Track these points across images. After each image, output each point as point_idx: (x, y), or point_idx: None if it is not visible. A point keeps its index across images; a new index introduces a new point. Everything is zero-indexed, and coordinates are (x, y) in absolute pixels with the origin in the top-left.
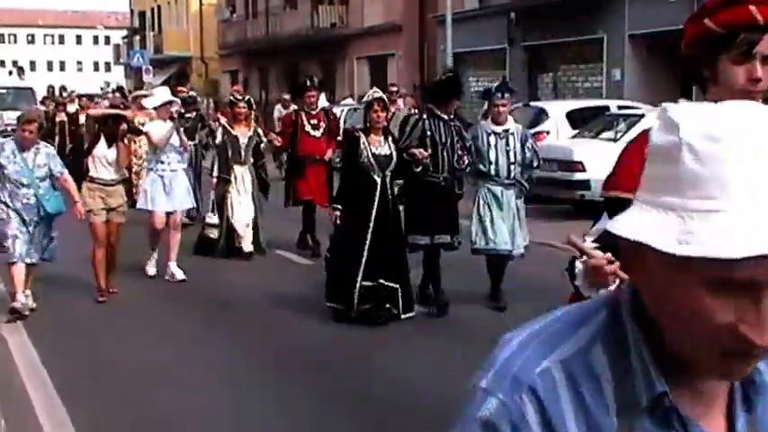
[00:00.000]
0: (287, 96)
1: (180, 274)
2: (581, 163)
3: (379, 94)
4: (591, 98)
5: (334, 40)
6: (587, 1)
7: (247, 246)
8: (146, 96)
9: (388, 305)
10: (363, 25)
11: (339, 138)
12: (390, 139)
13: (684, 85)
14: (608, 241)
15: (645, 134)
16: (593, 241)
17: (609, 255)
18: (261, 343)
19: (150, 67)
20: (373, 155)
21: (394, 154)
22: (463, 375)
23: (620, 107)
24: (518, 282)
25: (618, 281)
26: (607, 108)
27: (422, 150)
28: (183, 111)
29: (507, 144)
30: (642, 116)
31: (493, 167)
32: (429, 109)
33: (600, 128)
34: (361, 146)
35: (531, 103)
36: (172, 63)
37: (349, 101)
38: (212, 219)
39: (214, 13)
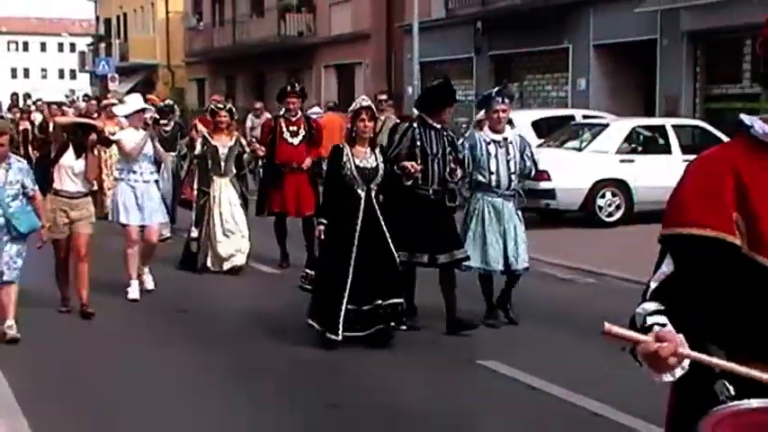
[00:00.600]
0: (259, 105)
1: (150, 284)
2: (546, 172)
3: (368, 102)
4: (556, 107)
5: (301, 48)
6: (553, 11)
7: (236, 259)
8: (114, 105)
9: (392, 323)
10: (331, 33)
11: (320, 144)
12: (377, 150)
13: (648, 96)
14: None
15: (707, 158)
16: (655, 288)
17: (661, 331)
18: (234, 358)
19: (116, 75)
20: (357, 167)
21: (380, 166)
22: (442, 391)
23: (585, 116)
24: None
25: (685, 361)
26: (572, 117)
27: (413, 164)
28: (157, 117)
29: (507, 153)
30: (607, 125)
31: (494, 178)
32: (420, 117)
33: (565, 137)
34: (345, 157)
35: None
36: (138, 71)
37: (316, 109)
38: (195, 232)
39: (181, 21)
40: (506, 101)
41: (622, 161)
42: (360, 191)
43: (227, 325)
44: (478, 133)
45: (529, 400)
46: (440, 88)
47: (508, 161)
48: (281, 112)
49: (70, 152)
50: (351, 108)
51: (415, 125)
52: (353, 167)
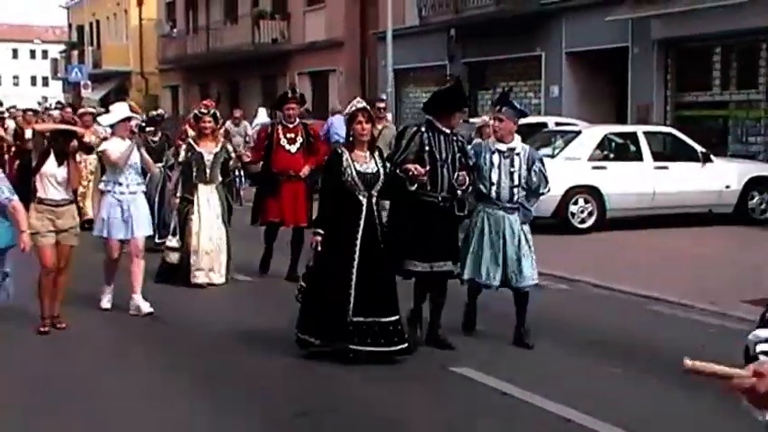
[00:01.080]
0: (238, 113)
1: (146, 307)
2: None
3: (363, 103)
4: (530, 114)
5: (275, 55)
6: (526, 19)
7: (214, 276)
8: (92, 114)
9: (383, 341)
10: (305, 41)
11: (318, 153)
12: (377, 154)
13: (620, 103)
14: None
15: None
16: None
17: (764, 364)
18: (204, 367)
19: (89, 82)
20: (358, 173)
21: (381, 171)
22: (413, 399)
23: (557, 123)
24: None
25: None
26: (545, 124)
27: (417, 166)
28: (143, 125)
29: (512, 165)
30: (579, 132)
31: (494, 189)
32: (428, 121)
33: (538, 144)
34: (344, 163)
35: (471, 120)
36: (111, 78)
37: (261, 111)
38: (173, 242)
39: (154, 28)
40: (504, 109)
41: (595, 168)
42: (361, 197)
43: (205, 336)
44: (485, 141)
45: (500, 405)
46: (450, 92)
47: (512, 173)
48: (278, 119)
49: (52, 160)
50: (346, 111)
51: (423, 129)
52: (354, 173)
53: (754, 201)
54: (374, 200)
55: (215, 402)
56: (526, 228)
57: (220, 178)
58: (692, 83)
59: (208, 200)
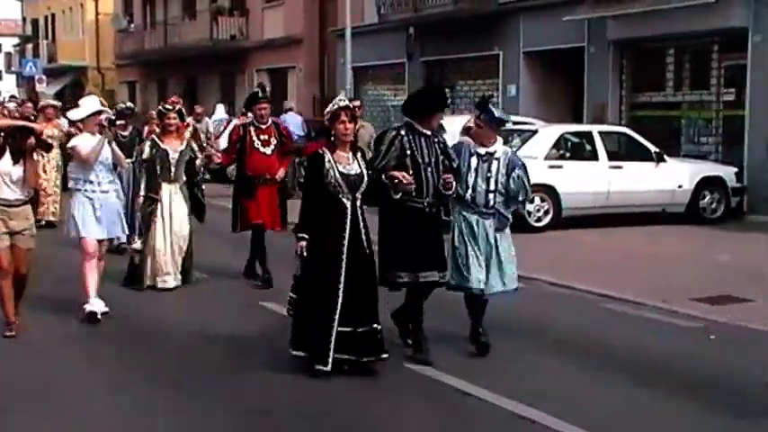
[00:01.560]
0: (200, 110)
1: (101, 306)
2: None
3: (346, 102)
4: (509, 122)
5: (233, 51)
6: (484, 18)
7: (172, 280)
8: (54, 106)
9: (366, 350)
10: (263, 37)
11: (292, 154)
12: (360, 155)
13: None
14: None
15: None
16: None
17: None
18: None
19: (44, 77)
20: (341, 174)
21: (365, 173)
22: (370, 396)
23: (514, 122)
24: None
25: None
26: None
27: (404, 174)
28: (113, 118)
29: (489, 169)
30: (536, 131)
31: (469, 193)
32: (408, 124)
33: None
34: (327, 164)
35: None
36: (66, 73)
37: (219, 106)
38: (138, 244)
39: (111, 23)
40: (482, 116)
41: (551, 167)
42: (345, 200)
43: (172, 339)
44: (466, 142)
45: (455, 402)
46: (429, 92)
47: (488, 178)
48: (250, 120)
49: (7, 158)
50: (327, 110)
51: (402, 132)
52: (337, 174)
53: (706, 200)
54: (358, 203)
55: (175, 400)
56: (502, 235)
57: (185, 177)
58: (646, 83)
59: (171, 200)
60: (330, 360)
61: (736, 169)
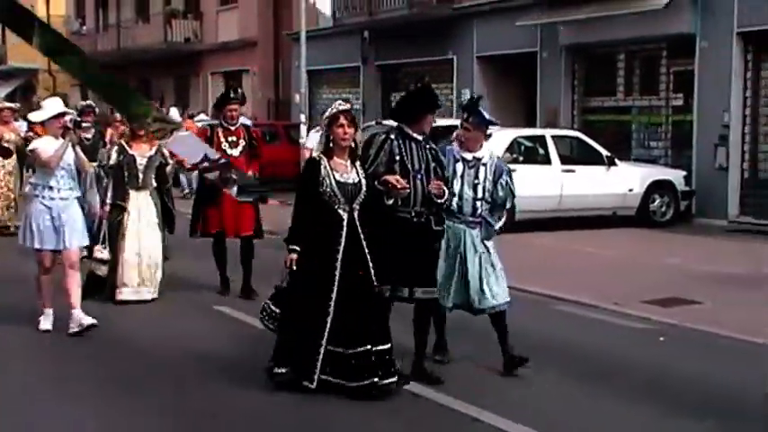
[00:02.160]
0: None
1: (88, 320)
2: None
3: (345, 105)
4: (441, 117)
5: (188, 55)
6: (438, 22)
7: (145, 292)
8: (11, 108)
9: (380, 372)
10: (218, 40)
11: (261, 156)
12: (358, 163)
13: (529, 107)
14: None
15: None
16: None
17: None
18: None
19: None
20: (338, 183)
21: (363, 182)
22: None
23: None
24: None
25: None
26: (456, 127)
27: (399, 178)
28: (78, 120)
29: (476, 176)
30: (489, 135)
31: (455, 201)
32: (398, 128)
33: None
34: (323, 172)
35: (384, 122)
36: (17, 75)
37: (202, 116)
38: (102, 254)
39: (63, 25)
40: (470, 119)
41: None
42: (341, 211)
43: (135, 351)
44: (450, 147)
45: (413, 407)
46: (418, 92)
47: (475, 185)
48: (218, 121)
49: None
50: (326, 114)
51: (392, 137)
52: (333, 183)
53: (656, 204)
54: (356, 214)
55: (132, 408)
56: (490, 243)
57: (155, 184)
58: (597, 88)
59: (142, 207)
60: (316, 378)
61: (684, 173)
